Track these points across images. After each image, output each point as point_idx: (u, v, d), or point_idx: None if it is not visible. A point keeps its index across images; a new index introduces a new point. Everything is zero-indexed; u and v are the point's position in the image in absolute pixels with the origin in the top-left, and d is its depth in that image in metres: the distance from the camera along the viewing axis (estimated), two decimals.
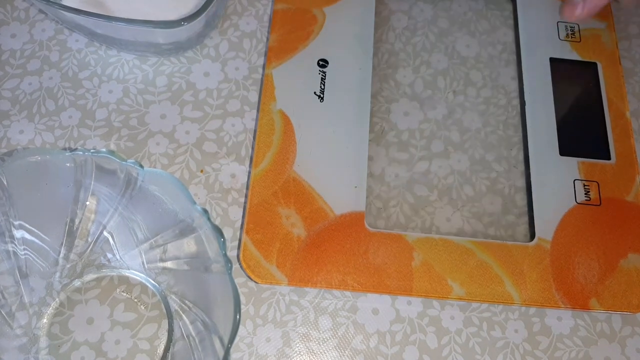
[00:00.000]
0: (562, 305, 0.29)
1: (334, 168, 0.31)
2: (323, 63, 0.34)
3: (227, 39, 0.36)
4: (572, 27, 0.36)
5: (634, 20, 0.38)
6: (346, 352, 0.29)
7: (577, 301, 0.29)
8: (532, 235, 0.30)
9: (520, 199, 0.32)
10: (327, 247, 0.29)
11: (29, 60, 0.34)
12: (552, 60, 0.35)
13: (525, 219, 0.32)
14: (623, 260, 0.30)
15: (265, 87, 0.33)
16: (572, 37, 0.36)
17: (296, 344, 0.29)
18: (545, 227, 0.31)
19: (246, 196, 0.31)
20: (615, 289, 0.29)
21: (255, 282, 0.29)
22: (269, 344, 0.29)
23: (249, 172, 0.32)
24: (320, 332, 0.29)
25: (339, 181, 0.31)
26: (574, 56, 0.35)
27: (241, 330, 0.29)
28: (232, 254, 0.30)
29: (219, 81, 0.34)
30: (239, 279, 0.30)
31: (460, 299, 0.29)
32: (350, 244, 0.30)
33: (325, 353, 0.29)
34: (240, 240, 0.30)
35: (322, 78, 0.33)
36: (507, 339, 0.30)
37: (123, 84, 0.34)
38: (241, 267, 0.29)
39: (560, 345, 0.30)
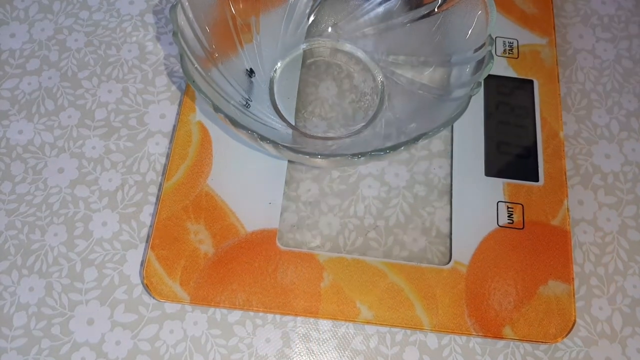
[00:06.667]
0: (474, 333, 0.28)
1: (250, 183, 0.30)
2: (249, 73, 0.33)
3: None
4: (510, 42, 0.35)
5: (634, 20, 0.37)
6: (346, 352, 0.28)
7: (490, 329, 0.28)
8: (450, 258, 0.29)
9: (440, 220, 0.31)
10: (234, 265, 0.29)
11: (28, 60, 0.34)
12: (486, 77, 0.33)
13: (445, 240, 0.31)
14: (542, 287, 0.29)
15: (185, 98, 0.32)
16: (509, 53, 0.34)
17: (296, 344, 0.28)
18: (463, 250, 0.29)
19: (155, 210, 0.31)
20: (531, 317, 0.28)
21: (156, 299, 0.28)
22: (269, 344, 0.28)
23: (160, 184, 0.31)
24: (320, 332, 0.29)
25: (253, 197, 0.30)
26: (510, 73, 0.34)
27: (240, 331, 0.28)
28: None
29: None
30: None
31: (368, 322, 0.28)
32: (259, 262, 0.29)
33: (325, 353, 0.28)
34: (144, 256, 0.30)
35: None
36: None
37: (122, 83, 0.34)
38: (142, 283, 0.28)
39: (561, 345, 0.29)
